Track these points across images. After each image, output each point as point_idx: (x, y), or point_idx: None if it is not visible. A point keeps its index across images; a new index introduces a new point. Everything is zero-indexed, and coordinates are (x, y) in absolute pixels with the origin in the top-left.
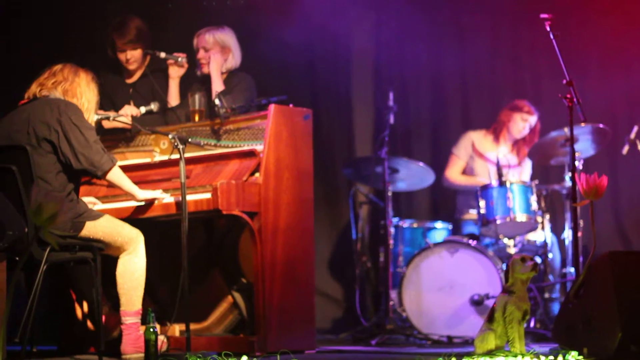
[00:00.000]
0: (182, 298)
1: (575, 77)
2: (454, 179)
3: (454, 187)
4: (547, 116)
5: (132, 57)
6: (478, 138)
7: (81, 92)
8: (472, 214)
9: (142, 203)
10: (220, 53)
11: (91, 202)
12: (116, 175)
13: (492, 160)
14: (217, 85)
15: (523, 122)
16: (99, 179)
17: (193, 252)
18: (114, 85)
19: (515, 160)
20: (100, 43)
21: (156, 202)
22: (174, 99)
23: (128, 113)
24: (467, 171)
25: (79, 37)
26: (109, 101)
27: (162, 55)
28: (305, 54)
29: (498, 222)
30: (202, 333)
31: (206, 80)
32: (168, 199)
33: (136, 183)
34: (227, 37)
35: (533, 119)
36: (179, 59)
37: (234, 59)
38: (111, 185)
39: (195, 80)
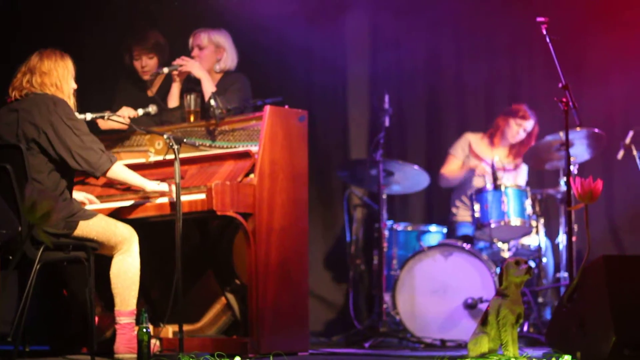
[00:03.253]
0: (176, 299)
1: (571, 81)
2: (450, 174)
3: (450, 184)
4: (543, 120)
5: (147, 65)
6: (475, 140)
7: (54, 78)
8: (465, 213)
9: (132, 202)
10: (213, 53)
11: (88, 198)
12: (117, 172)
13: (488, 162)
14: (208, 86)
15: (517, 127)
16: (97, 179)
17: (187, 253)
18: (131, 94)
19: (511, 165)
20: (120, 52)
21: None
22: (174, 101)
23: (125, 114)
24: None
25: (101, 45)
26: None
27: (165, 70)
28: (300, 56)
29: (492, 225)
30: (195, 334)
31: (195, 87)
32: (163, 199)
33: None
34: (222, 38)
35: (529, 124)
36: (180, 67)
37: (229, 59)
38: (107, 184)
39: (191, 80)
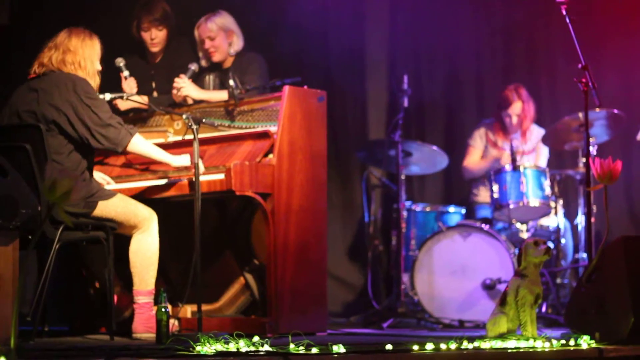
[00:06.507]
0: (194, 279)
1: (590, 62)
2: (473, 166)
3: (474, 176)
4: (562, 100)
5: (157, 37)
6: (490, 130)
7: (78, 57)
8: (485, 195)
9: (151, 182)
10: (224, 39)
11: (103, 179)
12: (138, 146)
13: (506, 148)
14: (214, 97)
15: (509, 118)
16: (121, 155)
17: (206, 233)
18: (136, 67)
19: (527, 147)
20: (125, 25)
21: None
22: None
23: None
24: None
25: (103, 18)
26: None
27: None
28: (319, 36)
29: (511, 206)
30: (214, 314)
31: (214, 67)
32: (182, 179)
33: (150, 163)
34: (227, 20)
35: (515, 109)
36: (194, 69)
37: (239, 40)
38: (125, 164)
39: (204, 69)
